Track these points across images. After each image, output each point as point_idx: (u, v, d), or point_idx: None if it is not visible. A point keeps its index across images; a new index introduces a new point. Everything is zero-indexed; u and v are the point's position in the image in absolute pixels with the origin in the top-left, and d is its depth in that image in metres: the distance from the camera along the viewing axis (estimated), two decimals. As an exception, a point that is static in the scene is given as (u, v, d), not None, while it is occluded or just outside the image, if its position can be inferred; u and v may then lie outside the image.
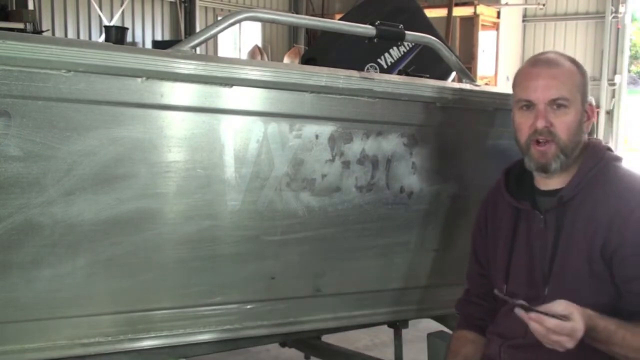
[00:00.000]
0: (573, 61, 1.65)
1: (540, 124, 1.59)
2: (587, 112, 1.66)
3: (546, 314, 1.40)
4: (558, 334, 1.39)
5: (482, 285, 1.85)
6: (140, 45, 10.75)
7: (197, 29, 10.84)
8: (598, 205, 1.58)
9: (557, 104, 1.59)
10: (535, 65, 1.64)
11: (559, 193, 1.63)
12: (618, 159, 1.67)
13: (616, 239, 1.54)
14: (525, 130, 1.63)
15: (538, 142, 1.60)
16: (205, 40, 1.73)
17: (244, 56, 10.78)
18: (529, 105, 1.62)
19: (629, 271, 1.55)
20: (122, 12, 10.86)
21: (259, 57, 3.97)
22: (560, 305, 1.43)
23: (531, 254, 1.67)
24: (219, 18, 5.04)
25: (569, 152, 1.61)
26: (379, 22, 2.05)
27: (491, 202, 1.82)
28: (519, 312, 1.42)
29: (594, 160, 1.64)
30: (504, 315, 1.72)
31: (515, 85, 1.68)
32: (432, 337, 2.46)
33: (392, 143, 1.97)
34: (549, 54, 1.68)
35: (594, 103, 1.72)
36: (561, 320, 1.40)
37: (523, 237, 1.69)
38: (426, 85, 1.98)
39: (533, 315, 1.40)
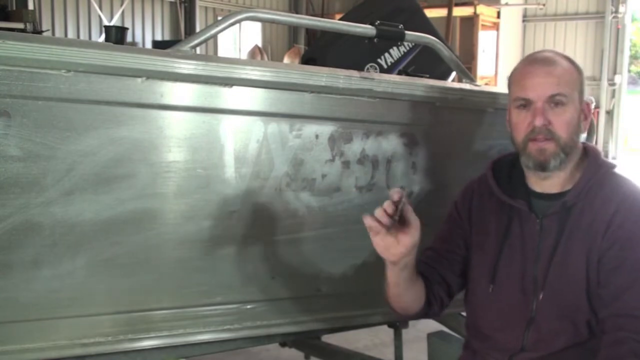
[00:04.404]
0: (569, 59, 1.62)
1: (539, 121, 1.54)
2: (584, 112, 1.62)
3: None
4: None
5: (440, 266, 1.75)
6: (140, 45, 10.75)
7: (197, 29, 10.84)
8: (597, 214, 1.55)
9: (555, 100, 1.55)
10: (532, 64, 1.61)
11: (564, 198, 1.58)
12: (614, 166, 1.64)
13: (606, 244, 1.53)
14: (523, 129, 1.58)
15: (536, 140, 1.56)
16: (205, 40, 1.73)
17: (244, 56, 10.78)
18: (527, 103, 1.58)
19: (607, 272, 1.51)
20: (122, 12, 10.87)
21: (259, 57, 3.95)
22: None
23: (524, 258, 1.62)
24: (219, 18, 5.04)
25: (568, 150, 1.57)
26: (379, 22, 2.05)
27: (476, 193, 1.75)
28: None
29: (596, 167, 1.61)
30: (496, 329, 1.66)
31: (511, 84, 1.64)
32: (432, 337, 2.46)
33: (392, 143, 1.97)
34: (545, 53, 1.64)
35: (593, 102, 1.68)
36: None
37: (516, 238, 1.64)
38: (426, 85, 1.98)
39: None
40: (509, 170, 1.70)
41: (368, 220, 1.47)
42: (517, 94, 1.60)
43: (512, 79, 1.64)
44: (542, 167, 1.58)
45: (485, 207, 1.72)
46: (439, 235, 1.81)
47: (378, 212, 1.46)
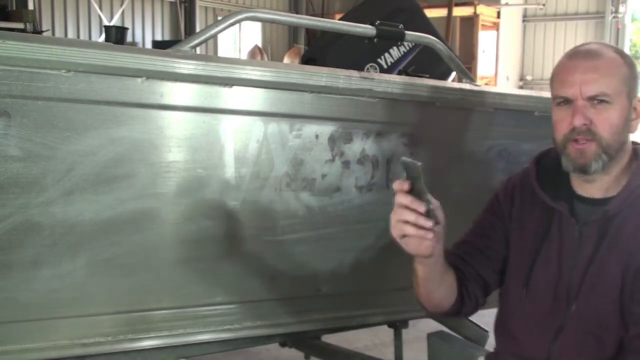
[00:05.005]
0: (618, 52, 1.49)
1: (578, 121, 1.42)
2: (637, 109, 1.48)
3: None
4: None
5: (477, 262, 1.65)
6: (140, 45, 10.76)
7: (197, 29, 10.84)
8: None
9: (597, 99, 1.43)
10: (573, 58, 1.48)
11: (606, 206, 1.47)
12: None
13: None
14: (563, 128, 1.46)
15: (576, 141, 1.44)
16: (205, 40, 1.73)
17: (244, 56, 10.78)
18: (567, 101, 1.46)
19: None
20: (122, 12, 10.88)
21: (259, 57, 3.97)
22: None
23: (560, 264, 1.52)
24: (219, 18, 5.04)
25: (612, 152, 1.44)
26: (379, 22, 2.05)
27: (518, 189, 1.64)
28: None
29: None
30: (524, 333, 1.60)
31: (552, 80, 1.51)
32: (432, 337, 2.46)
33: (392, 143, 1.97)
34: (591, 45, 1.51)
35: None
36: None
37: (554, 242, 1.54)
38: (426, 85, 1.98)
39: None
40: (554, 168, 1.56)
41: (411, 230, 1.33)
42: (556, 91, 1.49)
43: (554, 74, 1.51)
44: (582, 170, 1.47)
45: (527, 205, 1.62)
46: (475, 228, 1.71)
47: (420, 220, 1.32)
